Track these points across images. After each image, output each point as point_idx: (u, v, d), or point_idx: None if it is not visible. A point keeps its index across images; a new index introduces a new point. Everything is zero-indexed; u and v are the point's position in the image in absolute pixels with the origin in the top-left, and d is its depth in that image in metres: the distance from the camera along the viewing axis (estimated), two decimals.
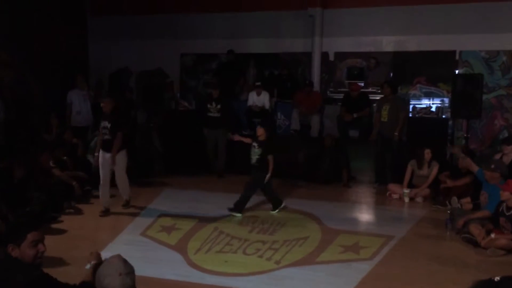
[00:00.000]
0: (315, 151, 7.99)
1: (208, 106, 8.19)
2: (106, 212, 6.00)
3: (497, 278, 1.23)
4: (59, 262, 4.38)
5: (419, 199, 6.86)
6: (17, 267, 2.61)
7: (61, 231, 5.39)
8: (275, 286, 4.09)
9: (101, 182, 6.04)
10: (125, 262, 2.37)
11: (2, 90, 7.68)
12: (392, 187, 7.15)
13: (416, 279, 4.20)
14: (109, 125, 5.95)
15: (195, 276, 4.23)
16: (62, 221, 5.72)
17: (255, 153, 6.07)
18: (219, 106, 8.13)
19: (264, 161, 6.02)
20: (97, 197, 6.80)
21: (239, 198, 6.03)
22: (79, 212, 6.15)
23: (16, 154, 6.39)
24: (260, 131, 6.15)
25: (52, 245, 4.77)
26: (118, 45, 10.71)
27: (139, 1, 10.50)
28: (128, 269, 2.35)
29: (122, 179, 6.20)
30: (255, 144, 6.11)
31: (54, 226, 5.54)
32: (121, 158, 6.05)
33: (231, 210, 5.95)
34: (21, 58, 8.79)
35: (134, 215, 6.03)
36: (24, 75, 8.84)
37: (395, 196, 7.05)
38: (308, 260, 4.60)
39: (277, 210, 6.13)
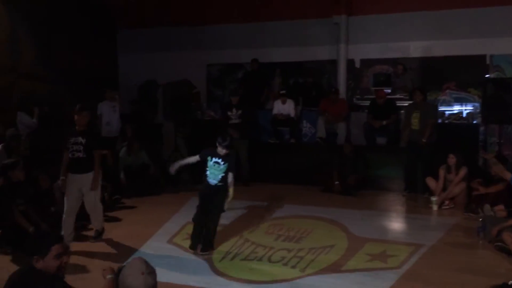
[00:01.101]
0: (337, 159, 7.89)
1: (229, 113, 8.21)
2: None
3: (511, 282, 1.19)
4: (84, 269, 4.47)
5: (446, 204, 6.67)
6: (40, 279, 2.68)
7: (90, 239, 5.50)
8: None
9: (66, 211, 5.13)
10: (146, 262, 2.42)
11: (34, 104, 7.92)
12: (429, 181, 7.02)
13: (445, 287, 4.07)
14: (83, 141, 5.12)
15: (220, 284, 4.23)
16: (91, 229, 5.84)
17: (220, 170, 4.86)
18: (239, 112, 8.15)
19: (225, 180, 4.90)
20: (126, 207, 6.99)
21: (207, 235, 4.97)
22: (107, 220, 6.26)
23: (43, 165, 6.53)
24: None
25: (80, 252, 4.94)
26: (146, 57, 10.96)
27: (165, 14, 10.73)
28: (150, 269, 2.41)
29: (98, 206, 5.37)
30: (217, 159, 4.86)
31: (84, 233, 5.66)
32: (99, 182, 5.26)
33: (203, 251, 4.91)
34: (55, 72, 9.12)
35: (162, 223, 6.10)
36: (57, 89, 9.15)
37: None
38: (333, 268, 4.54)
39: (206, 253, 4.88)
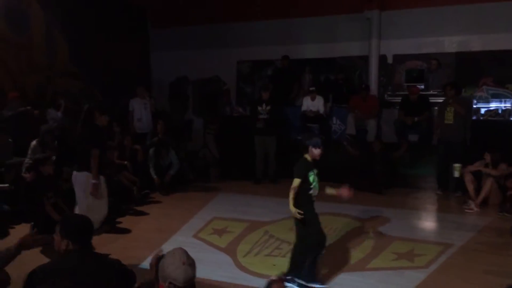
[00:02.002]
0: (366, 157, 7.75)
1: (259, 108, 8.18)
2: None
3: None
4: None
5: (469, 208, 6.42)
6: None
7: (121, 231, 5.64)
8: None
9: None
10: (187, 253, 2.46)
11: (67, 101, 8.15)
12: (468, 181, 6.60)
13: None
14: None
15: (243, 279, 4.25)
16: (121, 222, 5.99)
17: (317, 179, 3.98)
18: (268, 108, 8.13)
19: None
20: (154, 201, 7.11)
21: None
22: (137, 214, 6.40)
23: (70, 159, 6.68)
24: None
25: (111, 244, 5.07)
26: (178, 54, 11.12)
27: (196, 12, 10.84)
28: (191, 261, 2.44)
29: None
30: (314, 169, 3.98)
31: (116, 226, 5.81)
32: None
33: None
34: (88, 70, 9.39)
35: (188, 218, 6.18)
36: (90, 86, 9.42)
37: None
38: (358, 266, 4.47)
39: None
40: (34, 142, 6.59)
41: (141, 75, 10.89)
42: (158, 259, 2.56)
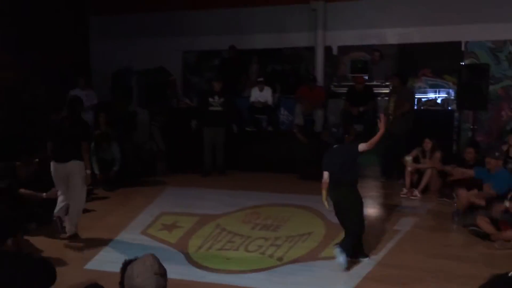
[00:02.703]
0: (315, 146, 7.85)
1: (210, 100, 8.03)
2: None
3: (511, 274, 1.15)
4: (57, 261, 4.32)
5: (414, 195, 6.68)
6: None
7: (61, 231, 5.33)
8: (277, 283, 4.01)
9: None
10: (159, 263, 2.20)
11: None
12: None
13: (421, 273, 4.09)
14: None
15: (196, 275, 4.16)
16: (63, 221, 5.66)
17: None
18: (222, 100, 8.01)
19: None
20: (99, 198, 6.81)
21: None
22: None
23: (20, 154, 6.32)
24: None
25: (53, 244, 4.79)
26: (120, 44, 10.66)
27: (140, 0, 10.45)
28: (162, 270, 2.18)
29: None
30: None
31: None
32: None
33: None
34: (25, 60, 8.80)
35: (136, 213, 5.97)
36: (27, 77, 8.85)
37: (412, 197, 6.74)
38: (311, 256, 4.52)
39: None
40: None
41: (81, 64, 10.35)
42: (124, 265, 2.31)
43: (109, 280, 3.78)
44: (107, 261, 4.42)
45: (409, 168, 6.76)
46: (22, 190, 5.44)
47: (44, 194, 5.43)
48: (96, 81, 10.68)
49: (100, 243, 4.90)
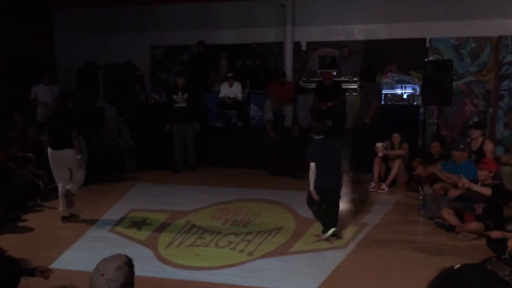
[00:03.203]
0: (285, 141, 7.89)
1: (174, 96, 7.93)
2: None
3: (457, 266, 1.18)
4: (25, 262, 4.18)
5: (382, 189, 6.80)
6: None
7: (27, 230, 5.19)
8: (248, 278, 4.01)
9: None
10: (118, 268, 2.07)
11: None
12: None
13: (389, 265, 4.18)
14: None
15: (166, 272, 4.12)
16: (27, 220, 5.51)
17: None
18: (185, 96, 7.92)
19: None
20: None
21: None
22: (45, 210, 5.92)
23: None
24: None
25: (17, 244, 4.64)
26: (86, 38, 10.40)
27: None
28: (115, 277, 2.04)
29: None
30: None
31: (20, 224, 5.33)
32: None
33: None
34: None
35: (104, 211, 5.85)
36: None
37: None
38: (281, 251, 4.54)
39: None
40: None
41: (44, 59, 10.03)
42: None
43: (75, 280, 3.72)
44: (73, 260, 4.31)
45: (380, 154, 6.86)
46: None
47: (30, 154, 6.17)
48: (60, 76, 10.40)
49: (66, 241, 4.78)
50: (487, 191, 4.69)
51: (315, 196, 4.67)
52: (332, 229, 4.69)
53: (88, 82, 10.62)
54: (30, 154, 6.83)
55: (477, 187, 4.76)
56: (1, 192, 5.46)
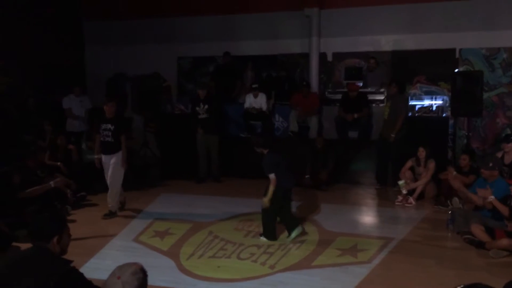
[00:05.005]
0: (309, 153, 7.81)
1: (197, 108, 8.01)
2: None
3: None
4: None
5: (409, 202, 6.62)
6: (51, 260, 2.69)
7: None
8: None
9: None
10: (133, 273, 2.20)
11: None
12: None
13: (415, 282, 4.05)
14: (112, 128, 5.95)
15: (186, 283, 4.10)
16: (68, 230, 5.59)
17: None
18: (206, 107, 7.98)
19: None
20: (92, 204, 6.74)
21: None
22: (73, 218, 6.02)
23: (13, 161, 6.28)
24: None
25: None
26: (115, 50, 10.65)
27: (134, 5, 10.43)
28: (130, 281, 2.18)
29: (115, 185, 6.08)
30: None
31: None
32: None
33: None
34: (17, 65, 8.75)
35: (128, 220, 5.92)
36: (21, 83, 8.80)
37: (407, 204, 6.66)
38: (303, 264, 4.46)
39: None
40: None
41: (75, 70, 10.31)
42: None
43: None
44: (97, 268, 4.34)
45: (404, 191, 6.68)
46: (24, 192, 5.58)
47: (52, 182, 5.91)
48: (90, 86, 10.66)
49: (91, 250, 4.83)
50: (504, 210, 4.74)
51: (265, 204, 5.01)
52: (295, 232, 5.12)
53: (117, 92, 10.84)
54: (58, 163, 6.99)
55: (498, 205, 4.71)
56: (29, 201, 5.56)
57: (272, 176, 4.95)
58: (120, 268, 2.25)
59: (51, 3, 9.74)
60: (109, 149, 5.99)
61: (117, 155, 5.95)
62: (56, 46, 9.74)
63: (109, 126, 5.96)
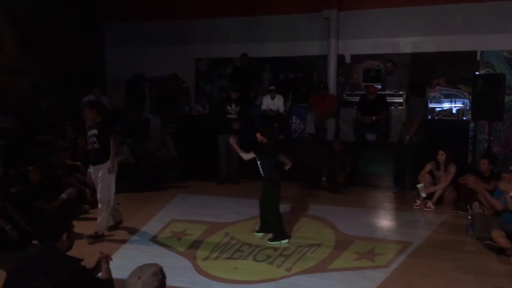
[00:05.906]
0: (326, 156, 7.78)
1: (228, 108, 8.08)
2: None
3: None
4: None
5: (427, 207, 6.53)
6: (62, 259, 2.77)
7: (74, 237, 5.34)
8: None
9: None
10: (154, 274, 2.32)
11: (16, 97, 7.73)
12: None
13: (434, 287, 3.98)
14: (96, 132, 5.26)
15: (202, 284, 4.11)
16: (74, 226, 5.67)
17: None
18: (238, 108, 8.05)
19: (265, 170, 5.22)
20: None
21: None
22: (90, 218, 6.11)
23: (31, 160, 6.40)
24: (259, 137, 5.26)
25: None
26: (134, 51, 10.79)
27: (153, 7, 10.55)
28: (150, 281, 2.29)
29: (107, 201, 5.37)
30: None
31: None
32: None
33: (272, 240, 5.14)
34: (38, 65, 8.93)
35: (145, 220, 5.96)
36: (42, 82, 8.97)
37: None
38: (320, 268, 4.43)
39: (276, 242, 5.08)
40: None
41: (94, 71, 10.47)
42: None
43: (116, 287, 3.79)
44: (115, 267, 4.36)
45: (423, 195, 6.59)
46: (41, 203, 5.59)
47: (64, 194, 5.86)
48: (110, 87, 10.80)
49: (109, 249, 4.87)
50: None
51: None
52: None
53: (136, 93, 10.96)
54: (78, 163, 7.10)
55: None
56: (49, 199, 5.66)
57: (251, 155, 5.26)
58: (141, 268, 2.33)
59: (72, 5, 9.91)
60: (95, 159, 5.28)
61: (104, 167, 5.21)
62: (77, 47, 9.92)
63: (94, 131, 5.27)
